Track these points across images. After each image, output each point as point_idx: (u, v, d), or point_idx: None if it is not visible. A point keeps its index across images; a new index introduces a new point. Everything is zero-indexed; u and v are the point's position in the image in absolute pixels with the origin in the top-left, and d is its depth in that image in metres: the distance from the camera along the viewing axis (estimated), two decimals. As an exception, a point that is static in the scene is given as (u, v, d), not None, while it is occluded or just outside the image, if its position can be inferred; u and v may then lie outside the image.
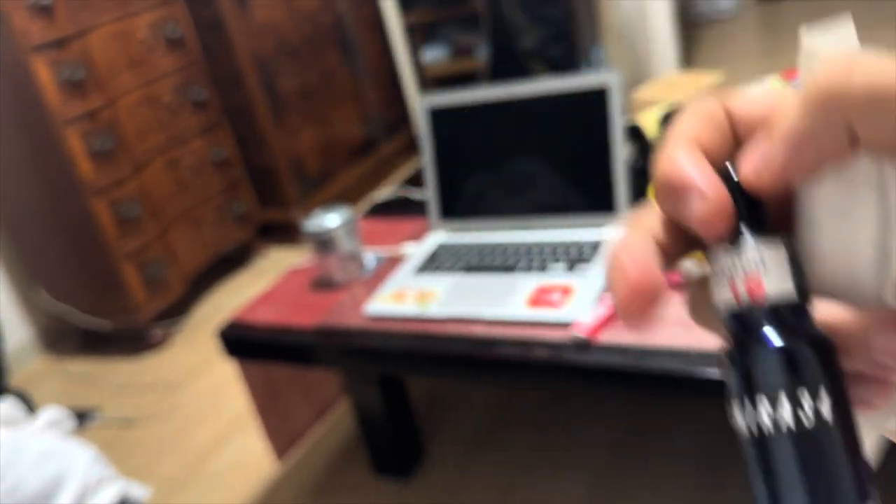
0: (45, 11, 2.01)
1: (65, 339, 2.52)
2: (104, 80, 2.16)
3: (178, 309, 2.47)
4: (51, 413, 1.10)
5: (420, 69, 3.23)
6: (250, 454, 1.73)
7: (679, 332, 1.02)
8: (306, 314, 1.35)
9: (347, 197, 2.94)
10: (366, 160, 3.07)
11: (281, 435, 1.55)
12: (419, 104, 1.45)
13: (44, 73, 2.01)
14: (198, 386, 2.07)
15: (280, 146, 2.65)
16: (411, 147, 3.34)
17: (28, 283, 2.44)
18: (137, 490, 1.03)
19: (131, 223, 2.20)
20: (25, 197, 2.21)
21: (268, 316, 1.38)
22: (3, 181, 2.22)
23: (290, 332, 1.32)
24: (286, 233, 2.80)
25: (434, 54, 3.15)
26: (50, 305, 2.37)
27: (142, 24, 2.29)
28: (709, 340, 0.99)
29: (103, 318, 2.29)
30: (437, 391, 1.76)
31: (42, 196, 2.18)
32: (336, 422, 1.74)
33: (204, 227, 2.49)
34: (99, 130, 2.12)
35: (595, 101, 1.27)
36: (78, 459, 0.99)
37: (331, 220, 1.39)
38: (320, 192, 2.83)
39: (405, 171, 3.16)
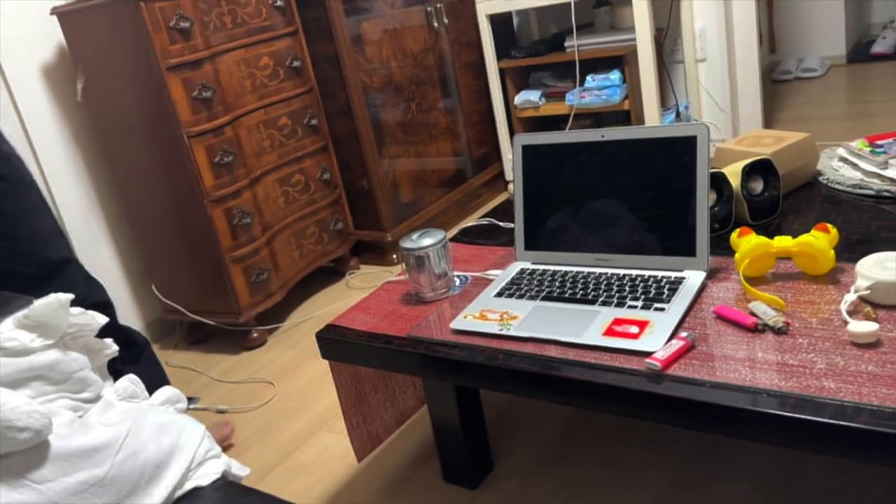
0: (184, 34, 2.16)
1: (171, 332, 2.65)
2: (230, 100, 2.30)
3: (276, 313, 2.57)
4: (167, 392, 1.18)
5: (513, 111, 3.29)
6: (332, 452, 1.79)
7: (748, 370, 1.02)
8: (396, 324, 1.40)
9: (435, 224, 3.01)
10: (455, 191, 3.14)
11: (363, 437, 1.60)
12: (515, 140, 1.50)
13: (178, 89, 2.15)
14: (288, 385, 2.15)
15: (379, 172, 2.75)
16: (497, 182, 3.40)
17: (143, 278, 2.59)
18: (239, 468, 1.10)
19: (243, 231, 2.32)
20: (151, 200, 2.36)
21: (362, 323, 1.44)
22: (134, 184, 2.38)
23: (381, 339, 1.37)
24: (375, 252, 2.88)
25: (527, 97, 3.20)
26: (161, 300, 2.50)
27: (267, 51, 2.43)
28: (774, 380, 0.98)
29: (209, 316, 2.41)
30: (510, 409, 1.78)
31: (166, 200, 2.32)
32: (414, 429, 1.78)
33: (305, 239, 2.59)
34: (222, 145, 2.26)
35: (683, 149, 1.29)
36: (190, 434, 1.06)
37: (426, 240, 1.45)
38: (411, 217, 2.90)
39: (490, 205, 3.22)
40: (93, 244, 2.48)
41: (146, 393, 1.13)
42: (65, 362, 1.01)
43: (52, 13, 2.25)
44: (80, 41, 2.25)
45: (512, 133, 3.31)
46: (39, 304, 0.99)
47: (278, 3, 2.45)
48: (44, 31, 2.33)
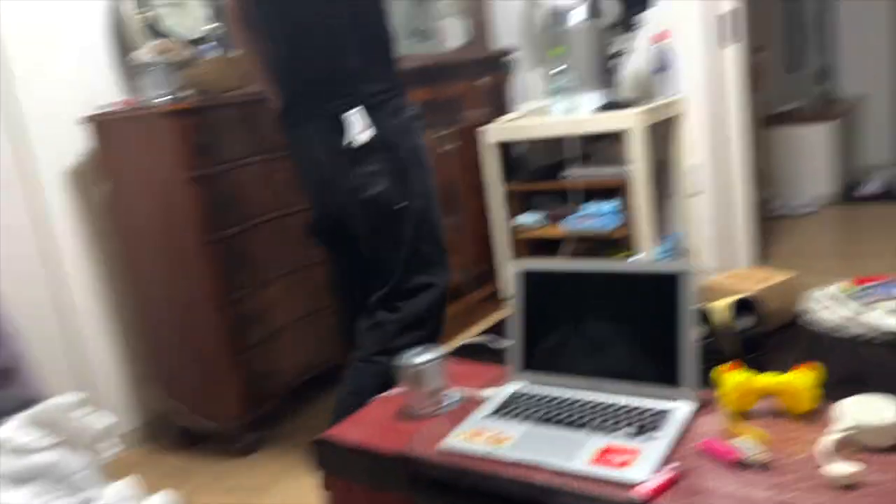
0: (206, 148, 2.27)
1: (165, 433, 2.63)
2: (246, 209, 2.39)
3: (272, 419, 2.56)
4: (163, 497, 1.19)
5: (514, 231, 3.39)
6: (315, 566, 1.76)
7: (732, 507, 1.04)
8: (388, 440, 1.42)
9: (433, 337, 3.04)
10: (453, 306, 3.19)
11: (348, 552, 1.57)
12: (514, 267, 1.56)
13: (196, 199, 2.24)
14: (277, 494, 2.13)
15: (382, 284, 2.81)
16: (494, 299, 3.46)
17: (142, 378, 2.60)
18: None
19: (247, 337, 2.36)
20: (161, 301, 2.41)
21: (354, 436, 1.46)
22: (147, 286, 2.43)
23: (370, 456, 1.38)
24: (374, 362, 2.90)
25: (529, 219, 3.32)
26: (157, 401, 2.50)
27: (284, 165, 2.54)
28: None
29: (205, 419, 2.41)
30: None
31: (176, 302, 2.37)
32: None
33: (307, 346, 2.62)
34: (236, 252, 2.33)
35: (669, 284, 1.36)
36: (181, 540, 1.06)
37: (422, 357, 1.49)
38: (410, 329, 2.94)
39: (488, 321, 3.26)
40: (97, 340, 2.52)
41: (140, 498, 1.14)
42: (66, 463, 1.03)
43: (85, 121, 2.39)
44: (109, 147, 2.38)
45: (513, 253, 3.40)
46: (50, 403, 1.02)
47: (298, 121, 2.59)
48: (75, 135, 2.46)
